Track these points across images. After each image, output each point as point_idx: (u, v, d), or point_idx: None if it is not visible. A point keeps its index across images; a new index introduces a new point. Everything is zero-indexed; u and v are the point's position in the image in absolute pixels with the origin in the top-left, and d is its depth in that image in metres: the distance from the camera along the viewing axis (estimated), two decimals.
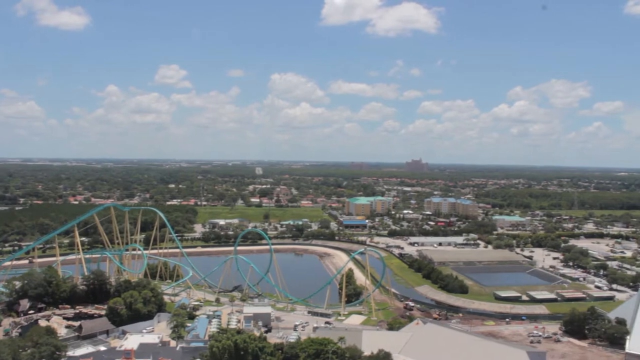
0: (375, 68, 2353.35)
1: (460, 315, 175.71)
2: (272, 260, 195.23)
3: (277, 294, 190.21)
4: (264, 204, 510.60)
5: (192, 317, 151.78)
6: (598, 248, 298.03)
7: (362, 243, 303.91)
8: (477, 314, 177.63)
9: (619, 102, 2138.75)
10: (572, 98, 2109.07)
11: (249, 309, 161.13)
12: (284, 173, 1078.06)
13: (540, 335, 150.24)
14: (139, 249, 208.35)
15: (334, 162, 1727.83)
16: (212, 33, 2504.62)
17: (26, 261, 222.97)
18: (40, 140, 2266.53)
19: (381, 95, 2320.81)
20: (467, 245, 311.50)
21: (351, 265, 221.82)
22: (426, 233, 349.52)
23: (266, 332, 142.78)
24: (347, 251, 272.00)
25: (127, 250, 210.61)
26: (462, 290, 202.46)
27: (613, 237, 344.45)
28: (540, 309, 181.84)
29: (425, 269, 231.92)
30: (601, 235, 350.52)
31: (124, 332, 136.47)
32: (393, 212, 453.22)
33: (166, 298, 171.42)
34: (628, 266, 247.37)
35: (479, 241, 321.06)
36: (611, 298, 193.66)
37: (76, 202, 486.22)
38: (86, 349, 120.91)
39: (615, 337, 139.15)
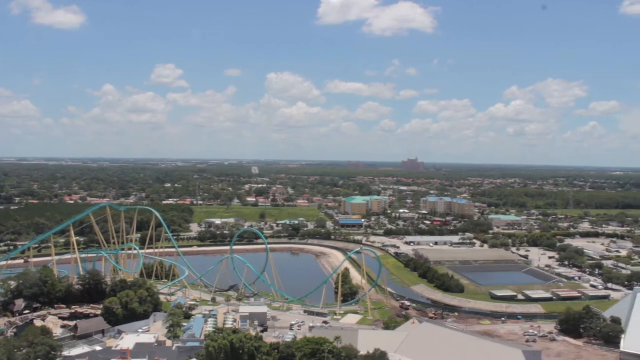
0: (371, 67, 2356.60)
1: (456, 314, 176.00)
2: (268, 260, 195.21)
3: (273, 293, 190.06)
4: (260, 204, 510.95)
5: (188, 317, 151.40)
6: (593, 247, 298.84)
7: (358, 242, 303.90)
8: (473, 313, 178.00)
9: (614, 102, 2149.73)
10: (568, 98, 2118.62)
11: (245, 309, 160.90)
12: (281, 172, 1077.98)
13: (536, 335, 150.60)
14: (135, 249, 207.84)
15: (331, 162, 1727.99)
16: (208, 32, 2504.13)
17: (21, 261, 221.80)
18: (36, 139, 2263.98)
19: (377, 94, 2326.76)
20: (463, 244, 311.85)
21: (347, 264, 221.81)
22: (422, 232, 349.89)
23: (262, 331, 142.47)
24: (343, 250, 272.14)
25: (123, 249, 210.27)
26: (458, 289, 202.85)
27: (608, 236, 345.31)
28: (536, 308, 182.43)
29: (421, 268, 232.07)
30: (596, 235, 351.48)
31: (119, 332, 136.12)
32: (389, 212, 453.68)
33: (162, 298, 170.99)
34: (623, 265, 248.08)
35: (475, 240, 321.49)
36: (606, 297, 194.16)
37: (72, 202, 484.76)
38: (82, 349, 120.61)
39: (611, 336, 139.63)
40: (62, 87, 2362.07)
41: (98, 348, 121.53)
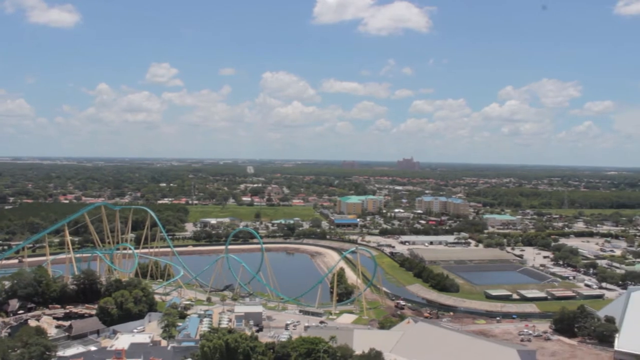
0: (367, 67, 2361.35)
1: (451, 314, 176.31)
2: (263, 260, 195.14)
3: (268, 293, 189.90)
4: (255, 203, 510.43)
5: (183, 317, 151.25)
6: (588, 247, 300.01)
7: (354, 242, 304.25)
8: (468, 312, 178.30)
9: (609, 102, 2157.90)
10: (563, 97, 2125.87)
11: (240, 308, 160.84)
12: (276, 172, 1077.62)
13: (530, 334, 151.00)
14: (130, 248, 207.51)
15: (326, 161, 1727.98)
16: (203, 31, 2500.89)
17: (16, 261, 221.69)
18: (30, 138, 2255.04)
19: (373, 94, 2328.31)
20: (458, 244, 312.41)
21: (342, 264, 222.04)
22: (417, 232, 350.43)
23: (257, 331, 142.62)
24: (338, 250, 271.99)
25: (117, 249, 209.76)
26: (453, 289, 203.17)
27: (602, 235, 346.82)
28: (531, 308, 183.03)
29: (416, 267, 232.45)
30: (591, 234, 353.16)
31: (114, 332, 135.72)
32: (384, 211, 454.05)
33: (157, 297, 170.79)
34: (617, 265, 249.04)
35: (469, 240, 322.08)
36: (601, 296, 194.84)
37: (66, 201, 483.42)
38: (76, 349, 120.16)
39: (605, 335, 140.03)
40: (56, 86, 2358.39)
41: (93, 348, 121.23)
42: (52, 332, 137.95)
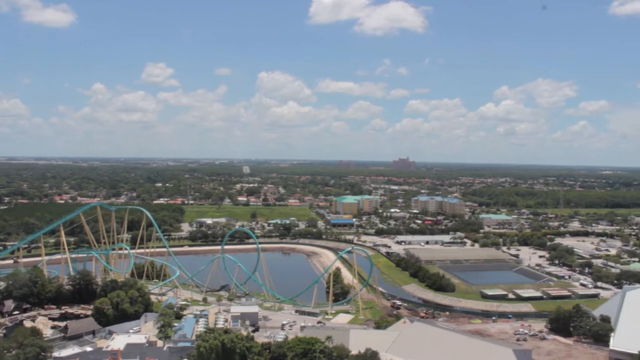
0: (362, 67, 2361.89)
1: (447, 313, 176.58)
2: (259, 260, 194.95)
3: (264, 293, 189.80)
4: (251, 203, 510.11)
5: (179, 317, 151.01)
6: (583, 246, 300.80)
7: (350, 242, 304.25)
8: (464, 312, 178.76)
9: (604, 102, 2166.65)
10: (558, 97, 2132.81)
11: (237, 309, 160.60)
12: (272, 172, 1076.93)
13: (526, 333, 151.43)
14: (126, 249, 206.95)
15: (322, 161, 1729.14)
16: (199, 31, 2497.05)
17: (11, 261, 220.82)
18: (25, 138, 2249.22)
19: (369, 93, 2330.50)
20: (454, 243, 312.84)
21: (338, 264, 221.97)
22: (413, 232, 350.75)
23: (254, 331, 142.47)
24: (334, 250, 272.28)
25: (113, 249, 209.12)
26: (449, 288, 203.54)
27: (598, 235, 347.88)
28: (527, 307, 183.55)
29: (412, 267, 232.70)
30: (586, 234, 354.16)
31: (110, 333, 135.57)
32: (380, 211, 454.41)
33: (153, 298, 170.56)
34: (612, 264, 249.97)
35: (465, 240, 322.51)
36: (596, 296, 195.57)
37: (62, 201, 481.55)
38: (72, 349, 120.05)
39: (600, 334, 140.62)
40: (51, 85, 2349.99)
41: (88, 349, 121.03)
42: (47, 332, 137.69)
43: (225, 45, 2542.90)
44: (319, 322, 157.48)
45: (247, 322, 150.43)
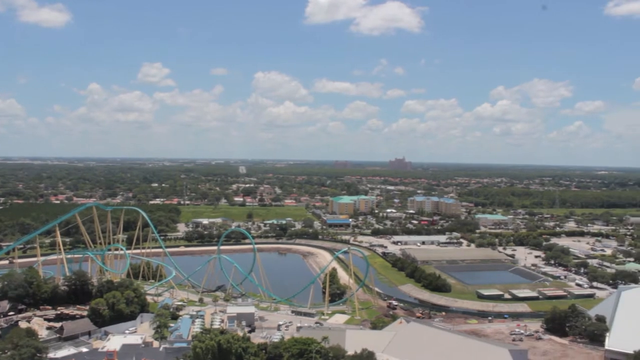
0: (359, 67, 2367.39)
1: (443, 313, 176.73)
2: (255, 260, 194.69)
3: (260, 293, 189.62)
4: (247, 203, 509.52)
5: (175, 318, 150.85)
6: (579, 246, 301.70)
7: (346, 242, 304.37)
8: (460, 312, 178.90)
9: (599, 102, 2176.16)
10: (554, 97, 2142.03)
11: (233, 309, 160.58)
12: (268, 172, 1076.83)
13: (522, 333, 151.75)
14: (122, 249, 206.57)
15: (318, 161, 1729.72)
16: (195, 31, 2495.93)
17: (6, 261, 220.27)
18: (21, 138, 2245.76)
19: (365, 94, 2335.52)
20: (450, 244, 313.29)
21: (335, 264, 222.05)
22: (409, 232, 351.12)
23: (250, 332, 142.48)
24: (330, 250, 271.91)
25: (109, 250, 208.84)
26: (445, 289, 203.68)
27: (593, 235, 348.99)
28: (522, 307, 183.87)
29: (408, 267, 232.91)
30: (582, 234, 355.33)
31: (106, 333, 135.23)
32: (376, 211, 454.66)
33: (149, 298, 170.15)
34: (608, 264, 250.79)
35: (461, 240, 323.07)
36: (591, 296, 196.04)
37: (58, 202, 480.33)
38: (68, 350, 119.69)
39: (595, 334, 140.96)
40: (47, 85, 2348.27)
41: (84, 349, 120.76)
42: (43, 333, 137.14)
43: (222, 45, 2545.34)
44: (316, 323, 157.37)
45: (244, 323, 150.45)
